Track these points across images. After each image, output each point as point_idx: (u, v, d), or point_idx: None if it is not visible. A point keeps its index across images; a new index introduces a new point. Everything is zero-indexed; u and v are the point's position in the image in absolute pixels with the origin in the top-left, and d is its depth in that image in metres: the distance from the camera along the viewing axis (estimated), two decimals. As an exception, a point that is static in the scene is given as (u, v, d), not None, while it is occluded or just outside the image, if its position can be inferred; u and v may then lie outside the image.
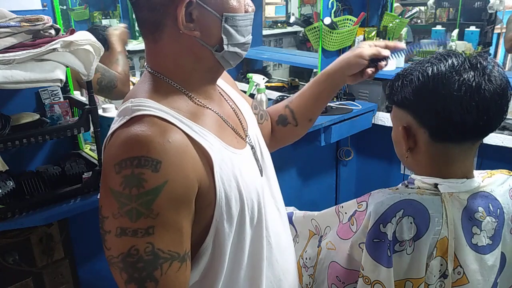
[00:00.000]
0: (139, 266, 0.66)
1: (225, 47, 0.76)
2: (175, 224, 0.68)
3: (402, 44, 1.01)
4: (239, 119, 0.89)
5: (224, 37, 0.75)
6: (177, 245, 0.69)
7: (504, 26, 2.95)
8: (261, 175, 0.88)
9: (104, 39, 1.82)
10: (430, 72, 0.81)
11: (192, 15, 0.72)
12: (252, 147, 0.88)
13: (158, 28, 0.74)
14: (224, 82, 0.96)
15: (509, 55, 3.96)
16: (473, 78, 0.78)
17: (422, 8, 4.65)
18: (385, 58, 0.99)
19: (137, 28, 3.82)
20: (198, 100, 0.79)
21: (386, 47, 0.99)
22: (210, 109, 0.81)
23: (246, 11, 0.78)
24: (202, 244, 0.76)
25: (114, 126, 0.72)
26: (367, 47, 1.00)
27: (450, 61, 0.80)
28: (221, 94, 0.90)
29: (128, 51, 2.20)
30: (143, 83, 0.79)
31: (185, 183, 0.68)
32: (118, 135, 0.69)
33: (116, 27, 1.92)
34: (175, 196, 0.67)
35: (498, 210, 0.87)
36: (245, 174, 0.79)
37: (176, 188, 0.67)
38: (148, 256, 0.66)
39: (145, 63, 0.81)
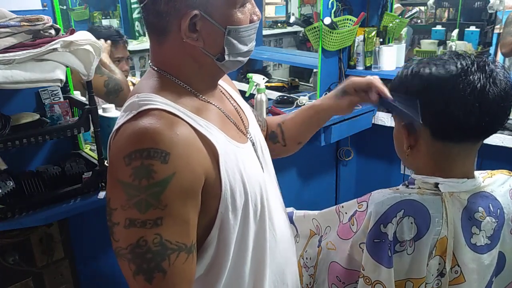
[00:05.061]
0: (148, 257, 0.67)
1: (226, 57, 0.78)
2: (182, 215, 0.69)
3: (387, 93, 0.91)
4: (240, 117, 0.91)
5: (226, 48, 0.77)
6: (184, 236, 0.70)
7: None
8: (263, 171, 0.89)
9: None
10: (436, 71, 0.81)
11: (196, 25, 0.73)
12: (253, 144, 0.89)
13: (163, 32, 0.75)
14: (226, 83, 0.98)
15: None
16: (478, 80, 0.78)
17: (422, 8, 4.65)
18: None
19: (137, 28, 3.83)
20: (201, 96, 0.81)
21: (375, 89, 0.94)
22: (213, 104, 0.83)
23: (251, 21, 0.78)
24: (207, 237, 0.77)
25: (120, 121, 0.73)
26: (356, 96, 0.99)
27: (458, 63, 0.80)
28: (223, 93, 0.92)
29: (128, 51, 2.21)
30: (148, 79, 0.80)
31: (192, 175, 0.70)
32: (126, 129, 0.70)
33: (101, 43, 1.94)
34: (183, 188, 0.68)
35: (498, 210, 0.87)
36: (248, 167, 0.80)
37: (183, 180, 0.68)
38: (156, 247, 0.67)
39: (150, 61, 0.82)
